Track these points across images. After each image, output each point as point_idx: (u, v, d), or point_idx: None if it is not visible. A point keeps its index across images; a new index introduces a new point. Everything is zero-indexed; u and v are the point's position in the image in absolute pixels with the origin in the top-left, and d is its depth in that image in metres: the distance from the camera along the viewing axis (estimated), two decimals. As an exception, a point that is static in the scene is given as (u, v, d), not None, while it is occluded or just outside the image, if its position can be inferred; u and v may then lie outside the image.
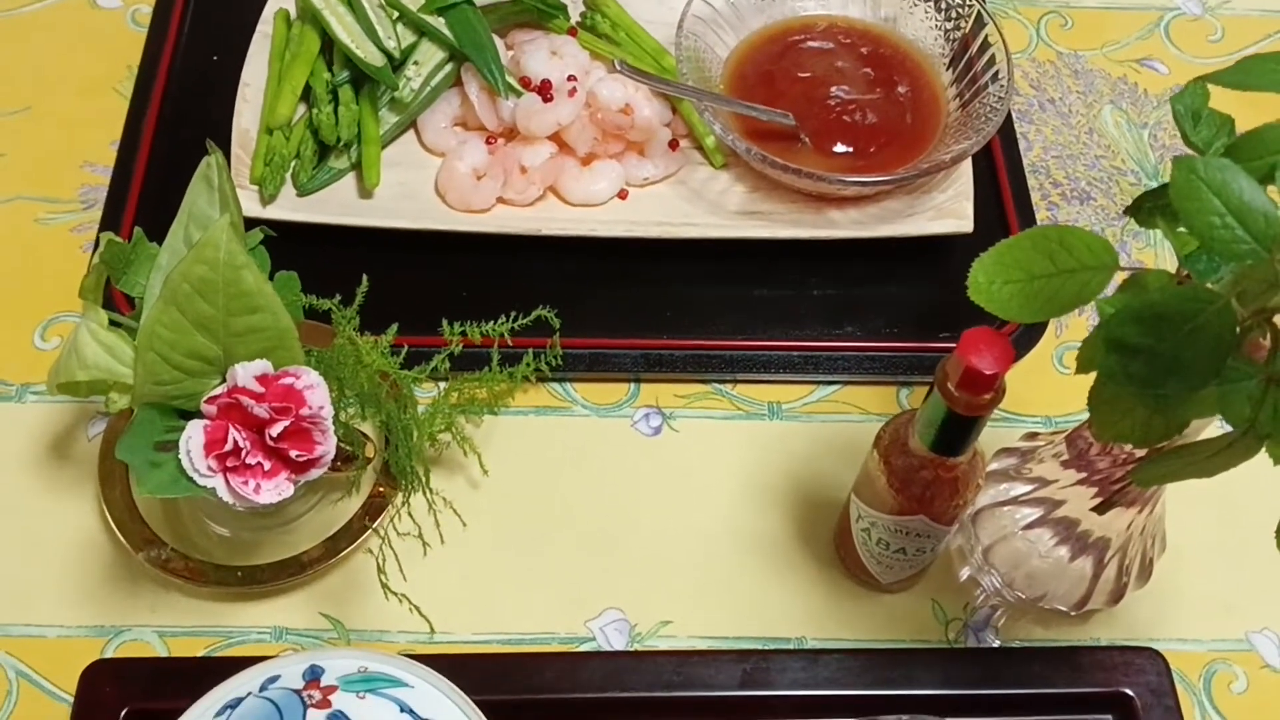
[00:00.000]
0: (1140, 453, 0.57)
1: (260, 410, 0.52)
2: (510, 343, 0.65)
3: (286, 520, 0.67)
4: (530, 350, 0.69)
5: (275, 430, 0.52)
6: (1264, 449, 0.47)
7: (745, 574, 0.68)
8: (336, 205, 0.74)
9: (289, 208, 0.73)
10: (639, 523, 0.69)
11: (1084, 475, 0.60)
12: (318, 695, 0.53)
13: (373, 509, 0.66)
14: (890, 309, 0.75)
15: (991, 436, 0.66)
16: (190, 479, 0.53)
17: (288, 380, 0.54)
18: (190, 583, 0.64)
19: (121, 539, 0.64)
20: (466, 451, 0.68)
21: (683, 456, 0.71)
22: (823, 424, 0.73)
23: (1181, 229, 0.48)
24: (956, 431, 0.55)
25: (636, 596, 0.66)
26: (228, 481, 0.53)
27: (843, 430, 0.73)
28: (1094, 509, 0.60)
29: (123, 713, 0.59)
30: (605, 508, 0.69)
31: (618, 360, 0.73)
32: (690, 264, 0.76)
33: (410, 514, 0.65)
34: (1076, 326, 0.77)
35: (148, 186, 0.76)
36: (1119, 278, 0.50)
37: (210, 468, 0.53)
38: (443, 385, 0.68)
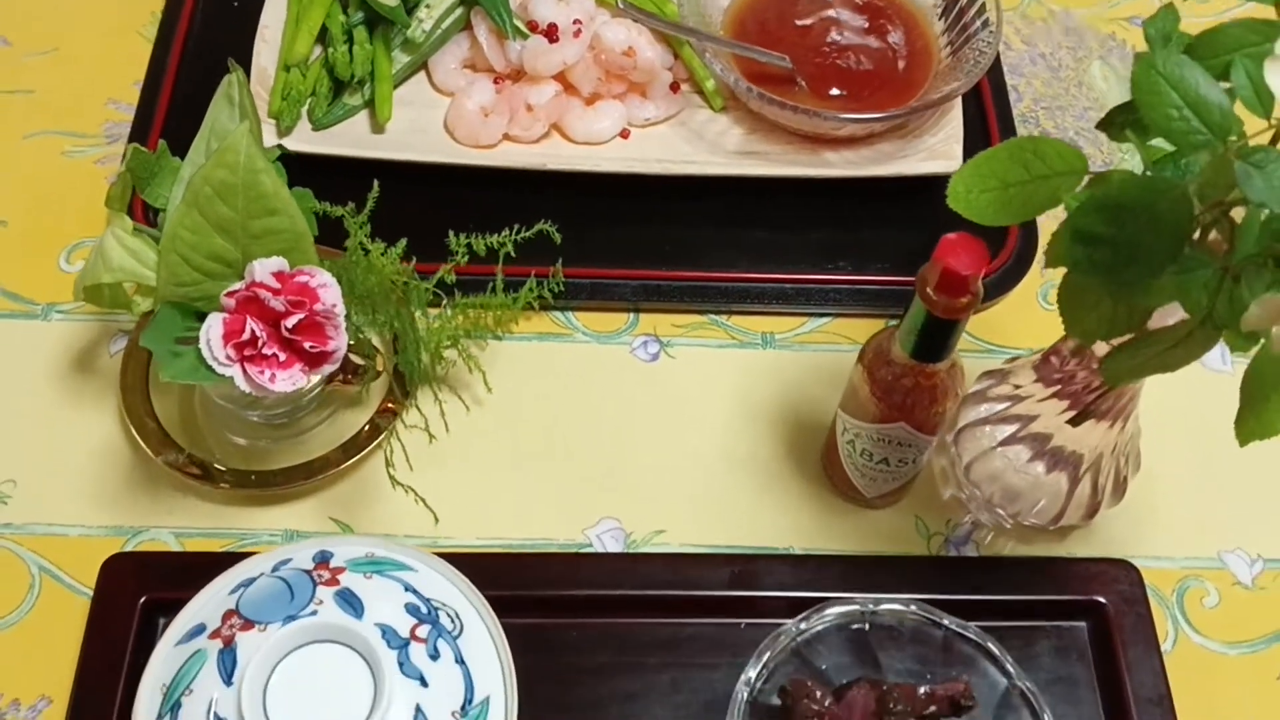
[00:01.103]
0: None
1: (276, 303, 0.55)
2: (514, 253, 0.68)
3: (300, 431, 0.70)
4: (533, 276, 0.72)
5: (290, 322, 0.55)
6: (1221, 339, 0.50)
7: (737, 490, 0.70)
8: (350, 139, 0.77)
9: (304, 140, 0.77)
10: (636, 441, 0.72)
11: (1057, 389, 0.63)
12: (327, 575, 0.56)
13: (382, 420, 0.69)
14: (881, 246, 0.78)
15: (975, 366, 0.69)
16: (209, 367, 0.56)
17: (302, 278, 0.57)
18: (206, 485, 0.67)
19: (141, 444, 0.67)
20: (471, 369, 0.71)
21: (679, 382, 0.74)
22: (814, 353, 0.76)
23: (1151, 142, 0.51)
24: (936, 336, 0.57)
25: (632, 507, 0.69)
26: (245, 371, 0.56)
27: (833, 359, 0.76)
28: (1068, 421, 0.63)
29: (141, 601, 0.62)
30: (604, 427, 0.72)
31: (618, 289, 0.76)
32: (689, 201, 0.79)
33: (419, 407, 0.68)
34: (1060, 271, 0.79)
35: (170, 121, 0.79)
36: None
37: (229, 357, 0.56)
38: (449, 311, 0.71)
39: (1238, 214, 0.49)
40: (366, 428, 0.69)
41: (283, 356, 0.56)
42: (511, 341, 0.75)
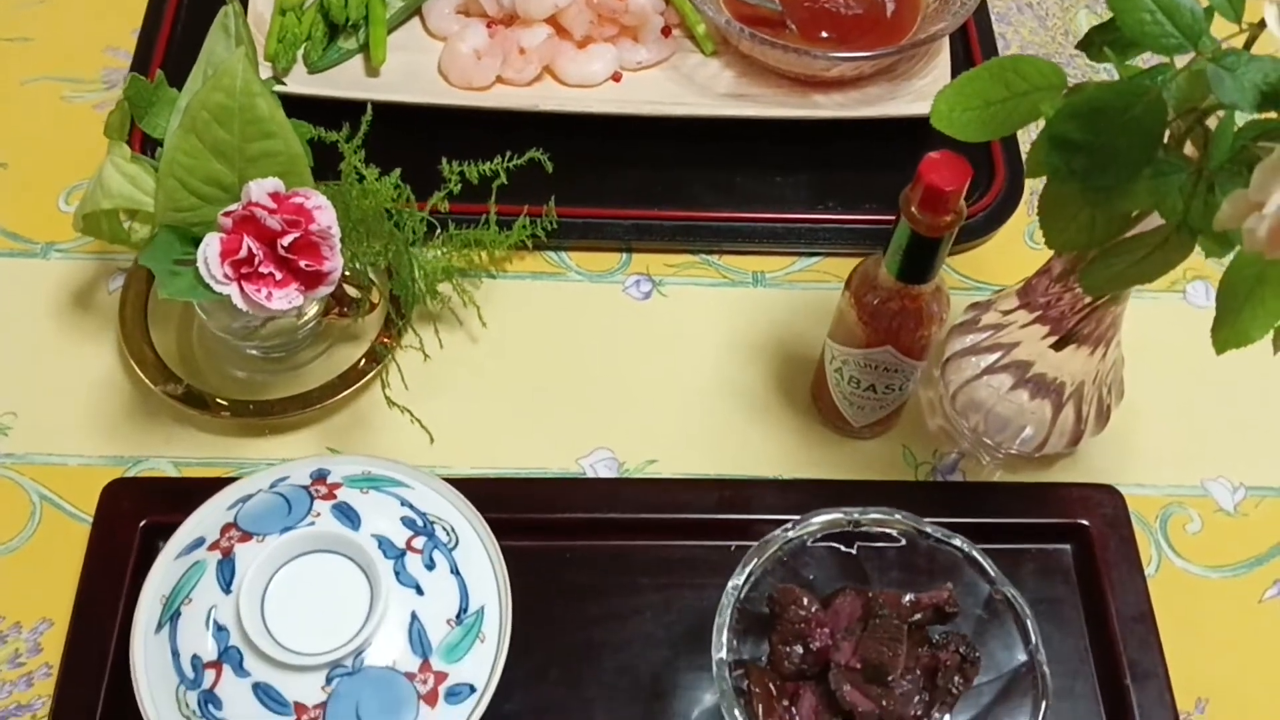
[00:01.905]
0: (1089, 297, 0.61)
1: (273, 222, 0.56)
2: (506, 180, 0.68)
3: (296, 365, 0.71)
4: (526, 215, 0.73)
5: (286, 241, 0.56)
6: (1197, 245, 0.51)
7: (727, 422, 0.72)
8: (345, 82, 0.78)
9: (300, 83, 0.77)
10: (628, 375, 0.73)
11: (1039, 314, 0.64)
12: (324, 490, 0.57)
13: (376, 354, 0.70)
14: (869, 186, 0.79)
15: (963, 304, 0.70)
16: (207, 285, 0.57)
17: (298, 200, 0.58)
18: (204, 414, 0.68)
19: (141, 375, 0.68)
20: (466, 303, 0.72)
21: (671, 319, 0.75)
22: (804, 291, 0.77)
23: (1129, 61, 0.52)
24: (920, 255, 0.58)
25: (625, 438, 0.70)
26: (242, 289, 0.57)
27: (822, 297, 0.77)
28: (1051, 346, 0.64)
29: (141, 524, 0.63)
30: (597, 362, 0.73)
31: (610, 229, 0.77)
32: (680, 143, 0.80)
33: (415, 340, 0.69)
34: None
35: (167, 62, 0.80)
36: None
37: (226, 275, 0.57)
38: (443, 246, 0.72)
39: (1212, 124, 0.50)
40: (362, 361, 0.70)
41: (279, 275, 0.57)
42: (505, 280, 0.76)
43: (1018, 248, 0.79)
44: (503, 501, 0.64)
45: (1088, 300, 0.62)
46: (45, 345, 0.72)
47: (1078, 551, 0.66)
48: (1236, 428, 0.73)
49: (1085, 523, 0.66)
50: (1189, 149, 0.51)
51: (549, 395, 0.72)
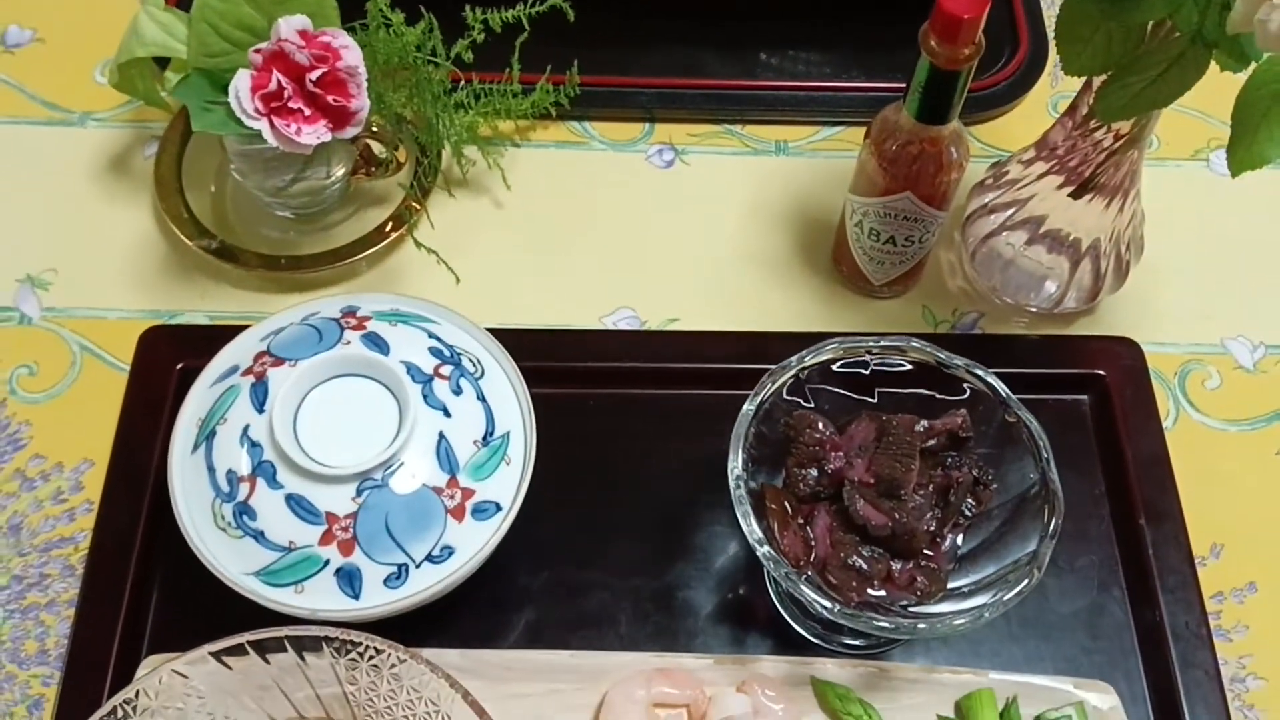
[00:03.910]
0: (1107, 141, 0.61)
1: (301, 56, 0.57)
2: (527, 27, 0.69)
3: (326, 226, 0.72)
4: (547, 80, 0.74)
5: (315, 75, 0.58)
6: (1213, 59, 0.51)
7: (749, 283, 0.73)
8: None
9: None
10: (651, 240, 0.74)
11: (1056, 164, 0.65)
12: (354, 322, 0.59)
13: (403, 216, 0.71)
14: (893, 58, 0.79)
15: (982, 171, 0.71)
16: (238, 120, 0.58)
17: (325, 38, 0.59)
18: (237, 268, 0.70)
19: (176, 231, 0.70)
20: (491, 165, 0.73)
21: (694, 186, 0.76)
22: (826, 160, 0.78)
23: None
24: (939, 91, 0.59)
25: (647, 298, 0.72)
26: (272, 124, 0.58)
27: (845, 165, 0.77)
28: (1070, 194, 0.65)
29: (177, 367, 0.65)
30: (620, 226, 0.74)
31: (634, 98, 0.78)
32: (705, 18, 0.80)
33: (442, 202, 0.71)
34: (1070, 83, 0.81)
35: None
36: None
37: (257, 109, 0.58)
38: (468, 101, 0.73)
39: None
40: (390, 224, 0.72)
41: (308, 111, 0.59)
42: (530, 149, 0.77)
43: (1040, 117, 0.79)
44: (528, 350, 0.65)
45: (1106, 145, 0.62)
46: (83, 207, 0.74)
47: (1095, 401, 0.67)
48: (1258, 289, 0.73)
49: (1102, 373, 0.67)
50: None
51: (573, 257, 0.73)
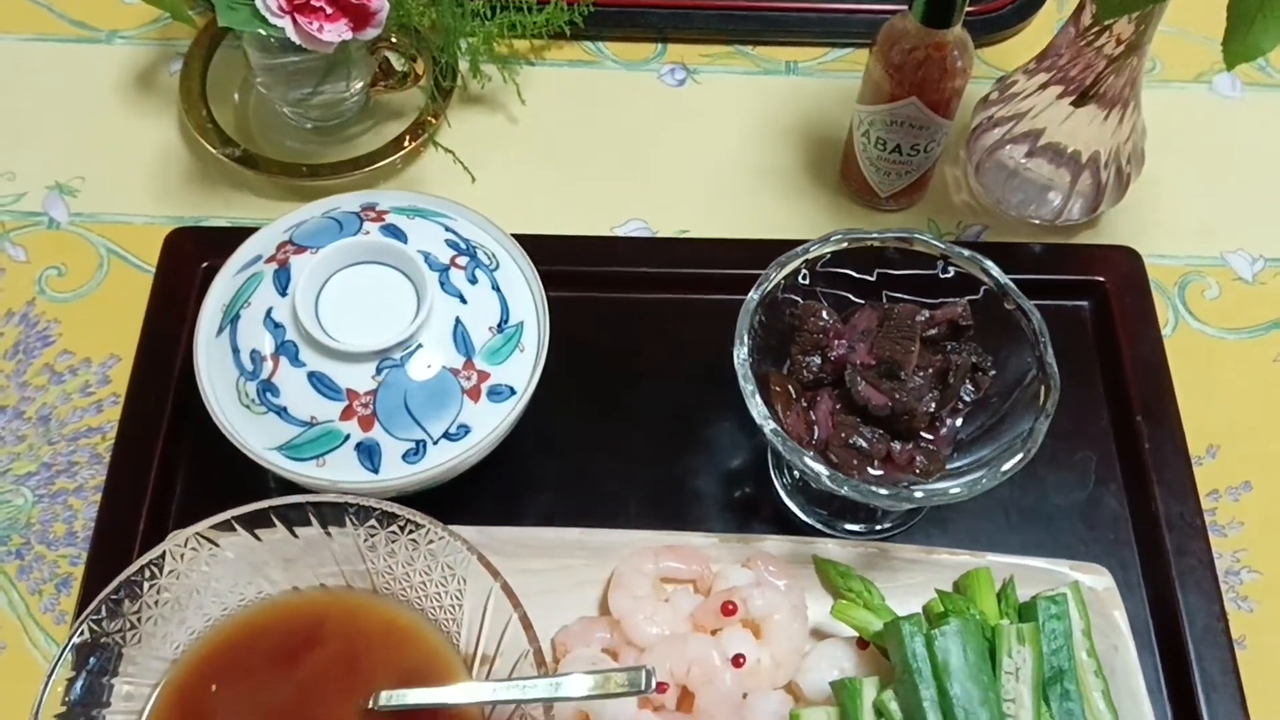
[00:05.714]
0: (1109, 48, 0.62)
1: (324, -46, 0.59)
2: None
3: (346, 138, 0.74)
4: (564, 1, 0.75)
5: (337, -27, 0.60)
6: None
7: (757, 197, 0.74)
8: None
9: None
10: (663, 154, 0.76)
11: (1059, 74, 0.66)
12: (373, 215, 0.61)
13: (423, 126, 0.73)
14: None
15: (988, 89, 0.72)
16: (263, 17, 0.60)
17: (348, -61, 0.61)
18: (259, 175, 0.71)
19: (201, 140, 0.72)
20: (507, 79, 0.75)
21: (704, 103, 0.78)
22: (836, 80, 0.79)
23: None
24: (944, -7, 0.60)
25: (657, 210, 0.73)
26: (295, 21, 0.60)
27: (853, 85, 0.77)
28: (1072, 102, 0.66)
29: (202, 266, 0.67)
30: (631, 141, 0.76)
31: (646, 18, 0.79)
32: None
33: (458, 101, 0.72)
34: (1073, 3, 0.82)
35: None
36: None
37: (280, 7, 0.60)
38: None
39: None
40: (407, 136, 0.73)
41: (329, 10, 0.60)
42: (544, 67, 0.79)
43: (1046, 39, 0.79)
44: (542, 254, 0.67)
45: (1108, 52, 0.63)
46: (110, 119, 0.76)
47: (1095, 307, 0.68)
48: (1258, 204, 0.74)
49: (1102, 279, 0.68)
50: None
51: (585, 170, 0.75)
